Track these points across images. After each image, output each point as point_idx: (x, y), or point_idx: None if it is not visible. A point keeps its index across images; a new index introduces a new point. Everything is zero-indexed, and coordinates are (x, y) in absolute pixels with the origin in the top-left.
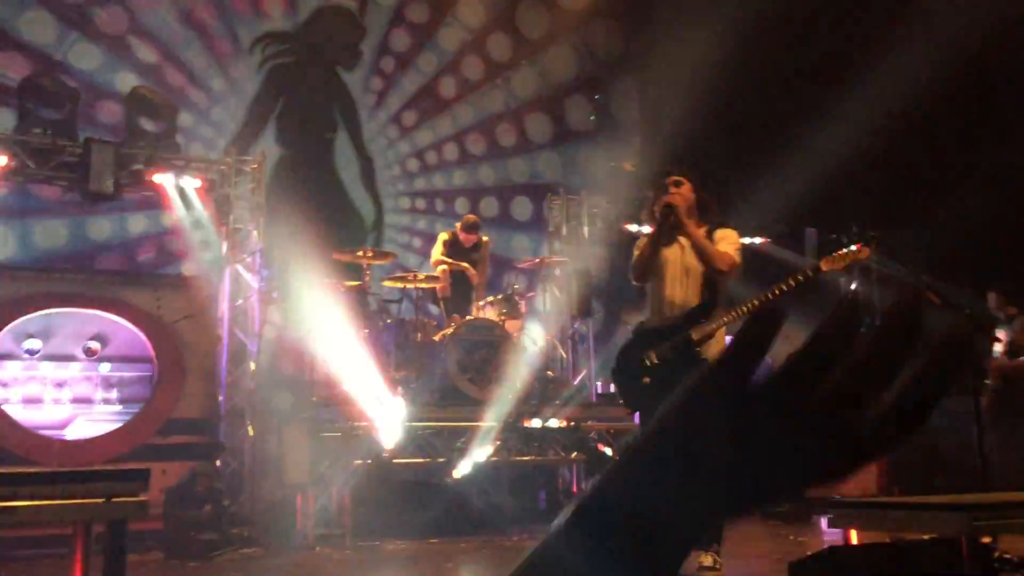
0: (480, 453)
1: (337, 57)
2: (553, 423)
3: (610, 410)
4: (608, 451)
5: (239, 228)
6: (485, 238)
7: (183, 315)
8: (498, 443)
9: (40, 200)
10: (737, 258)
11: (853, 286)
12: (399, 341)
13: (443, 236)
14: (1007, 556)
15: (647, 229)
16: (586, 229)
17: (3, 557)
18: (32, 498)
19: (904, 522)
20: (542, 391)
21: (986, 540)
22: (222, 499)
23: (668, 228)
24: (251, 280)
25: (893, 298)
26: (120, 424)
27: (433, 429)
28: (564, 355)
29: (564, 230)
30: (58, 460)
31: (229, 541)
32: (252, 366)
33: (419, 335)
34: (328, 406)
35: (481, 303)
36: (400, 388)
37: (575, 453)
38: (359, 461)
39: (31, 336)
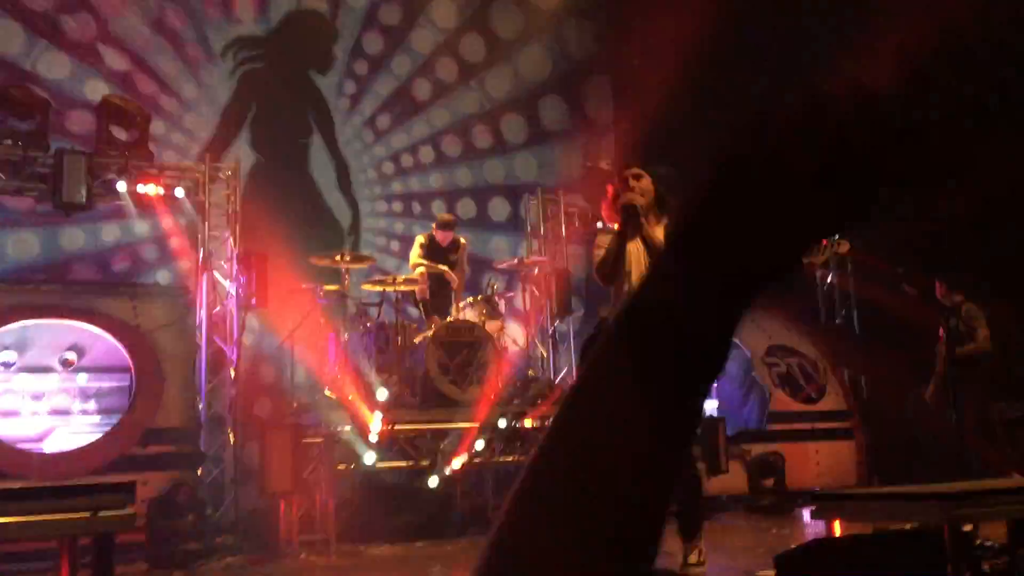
0: (463, 455)
1: (310, 61)
2: (535, 423)
3: None
4: None
5: (215, 235)
6: (462, 240)
7: (160, 324)
8: (481, 444)
9: (12, 212)
10: None
11: (830, 278)
12: (379, 344)
13: (420, 239)
14: (988, 544)
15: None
16: (564, 228)
17: None
18: (19, 513)
19: (886, 513)
20: (524, 391)
21: (967, 528)
22: (204, 508)
23: (633, 226)
24: (228, 287)
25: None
26: (99, 435)
27: (416, 432)
28: (545, 354)
29: (542, 230)
30: (38, 474)
31: (213, 550)
32: (232, 373)
33: (399, 338)
34: (310, 412)
35: (461, 304)
36: (381, 391)
37: None
38: (342, 466)
39: (7, 348)
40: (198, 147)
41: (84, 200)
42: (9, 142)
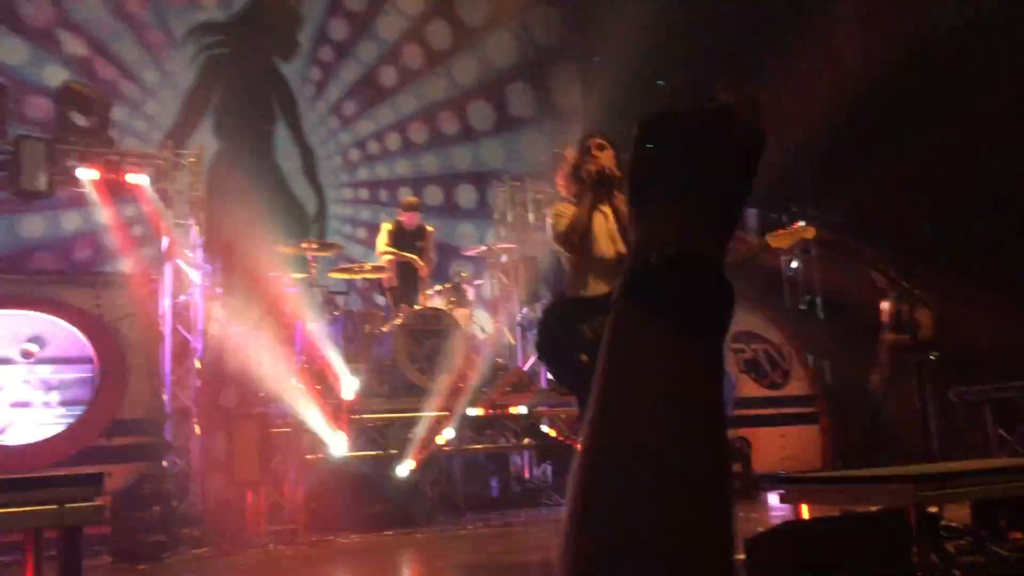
0: (432, 443)
1: (274, 47)
2: (504, 411)
3: (560, 396)
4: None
5: (179, 223)
6: (429, 227)
7: (123, 313)
8: (450, 432)
9: None
10: None
11: (794, 264)
12: (347, 333)
13: (387, 226)
14: (953, 525)
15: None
16: (531, 216)
17: None
18: None
19: (853, 495)
20: (492, 379)
21: (932, 510)
22: (170, 499)
23: (602, 193)
24: (193, 276)
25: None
26: (63, 427)
27: (384, 420)
28: (513, 342)
29: (509, 217)
30: (0, 467)
31: (179, 542)
32: (197, 363)
33: (367, 326)
34: (277, 401)
35: (429, 292)
36: (349, 380)
37: (526, 439)
38: (310, 456)
39: None
40: (160, 134)
41: (44, 187)
42: None
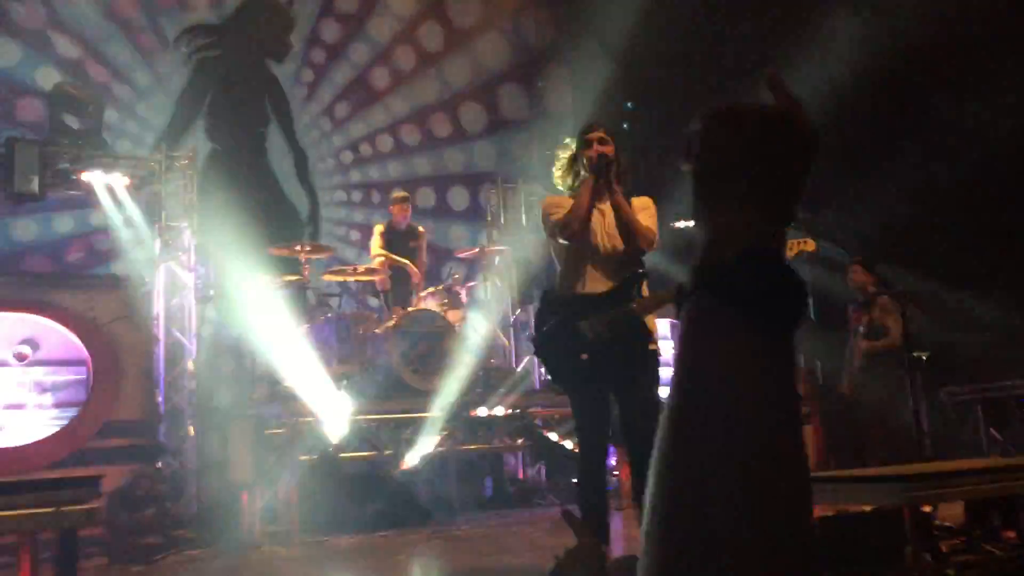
0: (426, 444)
1: (266, 49)
2: (498, 411)
3: (554, 396)
4: (555, 437)
5: (172, 225)
6: (421, 228)
7: (117, 316)
8: (444, 433)
9: None
10: (656, 232)
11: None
12: (341, 335)
13: (379, 228)
14: (947, 524)
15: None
16: (524, 217)
17: None
18: None
19: (847, 495)
20: (486, 380)
21: (926, 509)
22: (165, 501)
23: (602, 183)
24: (186, 278)
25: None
26: (56, 429)
27: (378, 422)
28: (507, 343)
29: (502, 218)
30: None
31: (173, 543)
32: (190, 365)
33: (361, 328)
34: (271, 403)
35: (422, 294)
36: (344, 382)
37: (520, 440)
38: (305, 456)
39: None
40: (152, 136)
41: (36, 190)
42: None
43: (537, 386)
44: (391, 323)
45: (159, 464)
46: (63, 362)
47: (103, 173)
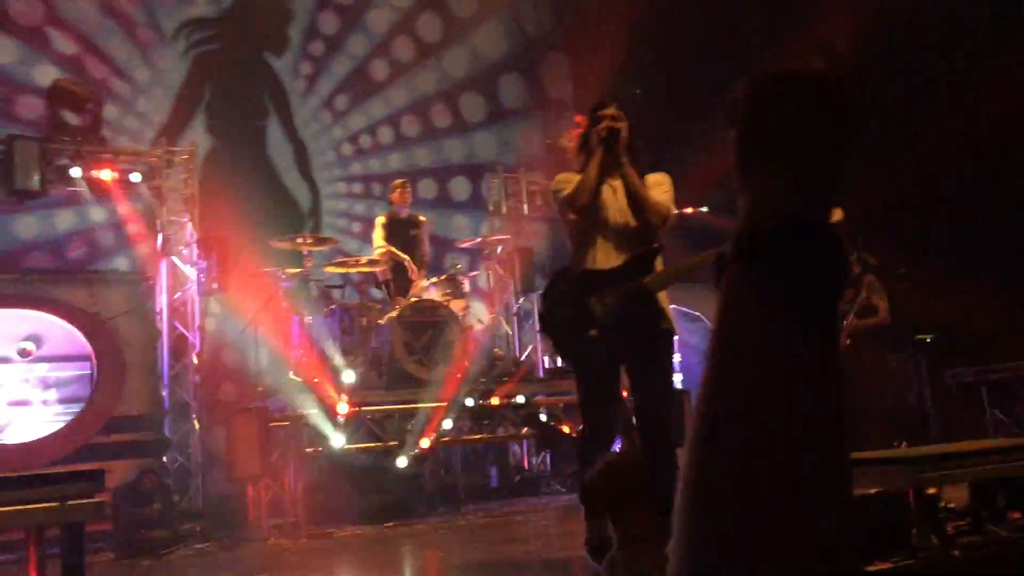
0: (430, 435)
1: (264, 42)
2: (502, 401)
3: (558, 384)
4: (565, 428)
5: (173, 220)
6: (422, 217)
7: (120, 311)
8: (448, 423)
9: None
10: (673, 208)
11: None
12: (344, 326)
13: (380, 219)
14: (952, 506)
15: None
16: (525, 207)
17: None
18: None
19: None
20: (489, 369)
21: (932, 491)
22: (171, 495)
23: (612, 157)
24: (188, 272)
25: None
26: (61, 425)
27: (383, 412)
28: (510, 332)
29: (503, 208)
30: (0, 466)
31: (180, 537)
32: (194, 359)
33: (364, 319)
34: (275, 395)
35: (425, 284)
36: (347, 373)
37: (525, 429)
38: (310, 449)
39: None
40: (152, 131)
41: (37, 187)
42: None
43: (541, 375)
44: (394, 313)
45: (165, 458)
46: (67, 358)
47: (103, 169)
